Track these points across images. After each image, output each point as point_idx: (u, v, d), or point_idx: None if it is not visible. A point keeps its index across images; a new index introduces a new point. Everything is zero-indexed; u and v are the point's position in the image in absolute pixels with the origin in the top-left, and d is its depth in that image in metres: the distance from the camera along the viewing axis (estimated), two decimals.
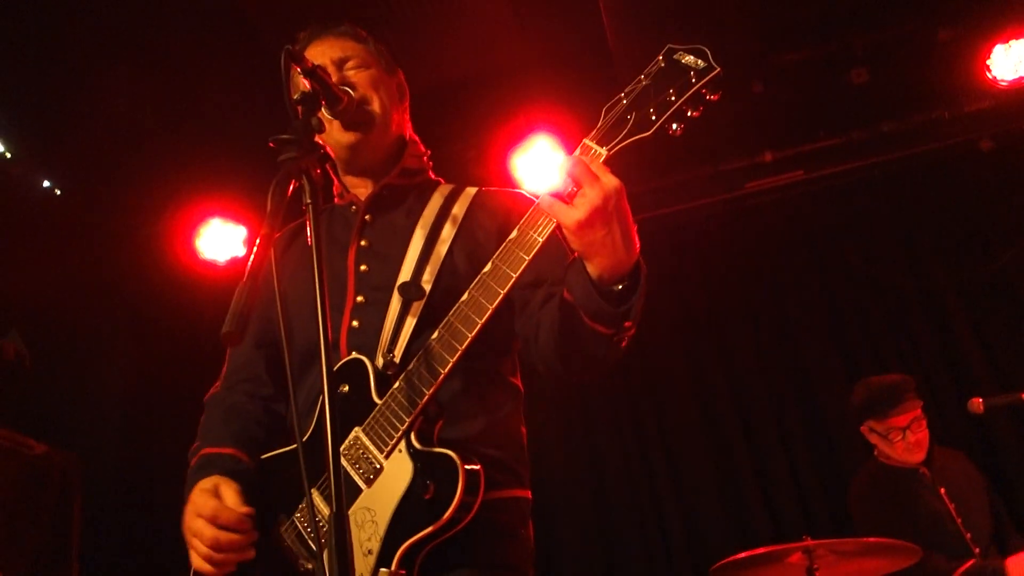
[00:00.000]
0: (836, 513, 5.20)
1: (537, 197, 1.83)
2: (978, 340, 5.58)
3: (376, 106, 2.25)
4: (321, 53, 2.29)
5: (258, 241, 1.54)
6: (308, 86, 1.90)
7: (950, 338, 5.66)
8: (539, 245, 1.80)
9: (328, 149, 1.94)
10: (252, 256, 1.52)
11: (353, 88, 2.20)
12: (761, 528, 5.40)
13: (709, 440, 5.76)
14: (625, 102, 1.81)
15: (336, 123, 2.17)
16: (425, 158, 2.42)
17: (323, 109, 2.01)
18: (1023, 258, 5.60)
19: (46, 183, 5.51)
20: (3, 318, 4.96)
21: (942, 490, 4.24)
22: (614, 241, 1.72)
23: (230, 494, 1.98)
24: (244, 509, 1.95)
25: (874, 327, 5.82)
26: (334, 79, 2.13)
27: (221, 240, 5.60)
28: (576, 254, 1.80)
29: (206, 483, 2.02)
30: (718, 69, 1.75)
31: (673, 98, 1.75)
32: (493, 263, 1.86)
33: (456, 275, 2.10)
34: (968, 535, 4.08)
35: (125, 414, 5.84)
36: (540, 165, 5.31)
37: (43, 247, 5.43)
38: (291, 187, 1.64)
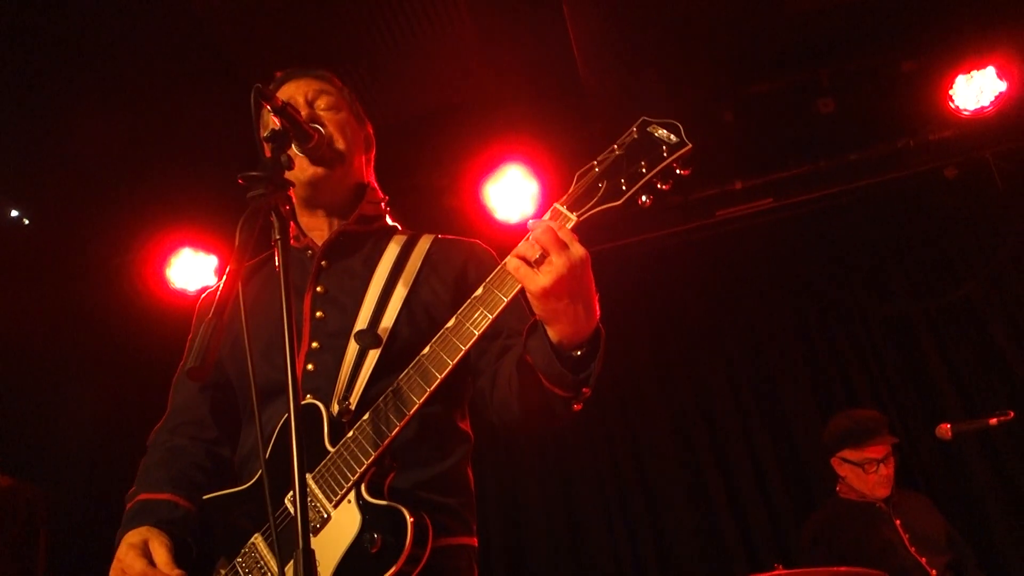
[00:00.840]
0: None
1: (503, 256, 1.85)
2: (946, 366, 5.64)
3: (342, 145, 2.27)
4: (295, 88, 2.31)
5: (224, 277, 1.54)
6: (278, 123, 1.90)
7: (918, 363, 5.72)
8: (504, 304, 1.81)
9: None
10: (219, 291, 1.52)
11: (322, 126, 2.21)
12: (734, 556, 5.39)
13: (682, 467, 5.76)
14: (597, 170, 1.84)
15: (303, 158, 2.17)
16: (383, 204, 2.43)
17: (292, 146, 2.02)
18: (988, 284, 5.70)
19: (14, 212, 5.47)
20: None
21: (897, 521, 4.33)
22: (576, 310, 1.74)
23: (161, 553, 1.93)
24: (176, 572, 1.89)
25: (843, 352, 5.87)
26: (304, 115, 2.14)
27: (192, 269, 5.58)
28: (537, 318, 1.82)
29: (134, 537, 1.96)
30: (689, 145, 1.79)
31: (644, 170, 1.78)
32: (457, 319, 1.86)
33: (413, 324, 2.11)
34: (923, 559, 4.15)
35: (93, 446, 5.77)
36: (512, 195, 5.35)
37: (10, 277, 5.38)
38: (259, 223, 1.65)
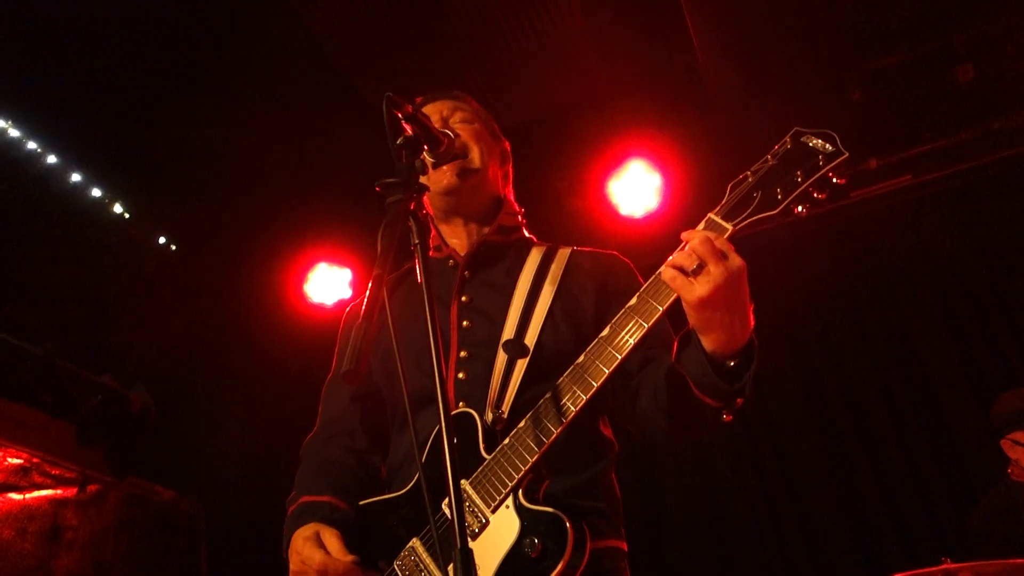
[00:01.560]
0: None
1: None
2: None
3: (476, 155, 2.33)
4: (432, 110, 2.40)
5: (371, 283, 1.57)
6: (410, 130, 1.94)
7: None
8: (659, 314, 1.83)
9: (428, 202, 1.96)
10: (366, 298, 1.55)
11: (455, 135, 2.25)
12: (892, 553, 5.14)
13: (831, 464, 5.54)
14: (751, 180, 1.86)
15: (437, 168, 2.23)
16: (520, 216, 2.48)
17: (425, 152, 2.05)
18: None
19: (162, 240, 5.80)
20: (129, 372, 5.20)
21: None
22: (731, 320, 1.75)
23: (334, 543, 2.00)
24: (350, 558, 1.96)
25: (996, 334, 5.53)
26: (438, 126, 2.18)
27: (327, 283, 5.79)
28: (691, 327, 1.82)
29: (307, 531, 2.04)
30: (846, 154, 1.79)
31: (800, 179, 1.79)
32: (611, 328, 1.88)
33: (558, 334, 2.14)
34: None
35: (244, 458, 6.02)
36: (636, 190, 5.29)
37: (162, 301, 5.70)
38: (399, 228, 1.68)
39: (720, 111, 5.21)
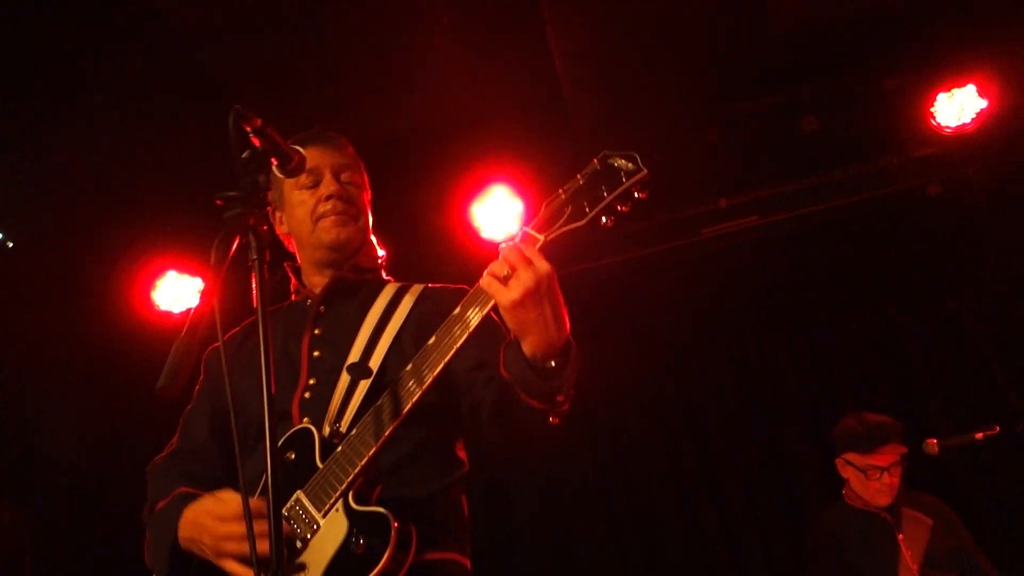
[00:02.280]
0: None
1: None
2: (933, 383, 5.66)
3: (366, 221, 2.51)
4: (319, 157, 2.47)
5: (199, 298, 1.55)
6: (258, 144, 1.91)
7: (905, 378, 5.73)
8: (479, 320, 1.94)
9: (297, 249, 2.20)
10: (192, 312, 1.54)
11: (350, 200, 2.45)
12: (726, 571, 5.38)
13: (672, 488, 5.75)
14: (563, 196, 2.01)
15: (326, 220, 2.40)
16: (381, 260, 2.61)
17: (275, 167, 2.03)
18: (973, 300, 5.73)
19: None
20: None
21: (900, 536, 4.23)
22: (546, 321, 1.86)
23: (231, 493, 2.00)
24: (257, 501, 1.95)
25: (831, 368, 5.88)
26: (333, 188, 2.41)
27: (176, 292, 5.60)
28: (512, 334, 1.93)
29: (200, 503, 2.04)
30: (645, 171, 1.95)
31: (605, 194, 1.94)
32: (436, 336, 2.00)
33: (403, 358, 2.18)
34: None
35: (77, 467, 5.72)
36: (498, 214, 5.37)
37: None
38: (236, 242, 1.68)
39: (582, 142, 5.35)
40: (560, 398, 1.93)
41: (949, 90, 5.22)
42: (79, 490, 5.66)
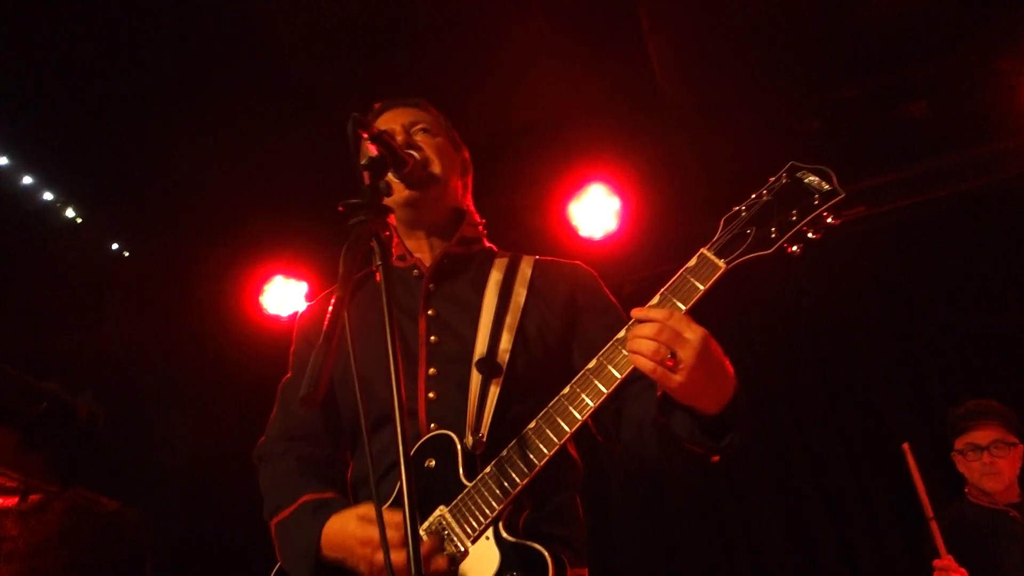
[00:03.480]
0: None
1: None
2: None
3: (437, 168, 2.30)
4: (392, 118, 2.37)
5: (334, 304, 1.55)
6: (375, 151, 1.93)
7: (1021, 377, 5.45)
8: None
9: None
10: (327, 318, 1.52)
11: (417, 150, 2.25)
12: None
13: (782, 486, 5.62)
14: (745, 215, 1.83)
15: (400, 184, 2.21)
16: (481, 227, 2.46)
17: (390, 173, 2.05)
18: None
19: (115, 246, 5.70)
20: (77, 379, 5.09)
21: None
22: (712, 386, 1.74)
23: (390, 516, 1.87)
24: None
25: (944, 366, 5.63)
26: (400, 140, 2.19)
27: (284, 296, 5.76)
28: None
29: (345, 517, 1.93)
30: (842, 194, 1.76)
31: (795, 219, 1.76)
32: (598, 360, 1.86)
33: (529, 352, 2.13)
34: None
35: (194, 470, 5.92)
36: (595, 212, 5.34)
37: (113, 308, 5.59)
38: (362, 250, 1.67)
39: (679, 137, 5.27)
40: (729, 449, 1.82)
41: None
42: (194, 491, 5.86)
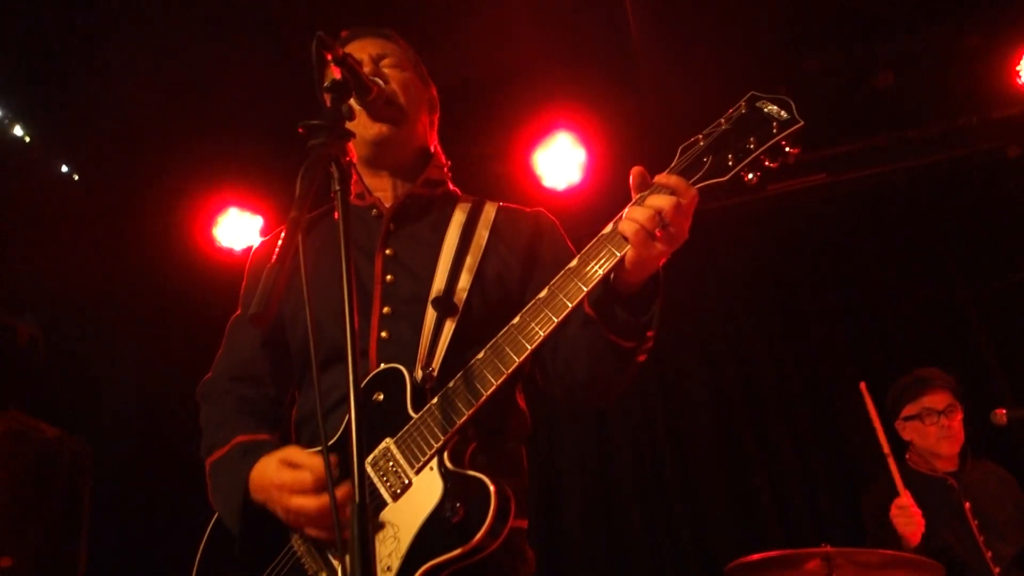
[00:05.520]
0: (851, 525, 5.11)
1: (606, 224, 1.85)
2: (997, 352, 5.49)
3: (404, 102, 2.23)
4: (360, 48, 2.29)
5: (287, 225, 1.51)
6: (339, 74, 1.86)
7: (969, 349, 5.57)
8: (599, 278, 1.79)
9: (351, 146, 1.92)
10: (281, 239, 1.48)
11: (385, 82, 2.17)
12: (775, 536, 5.32)
13: (722, 444, 5.69)
14: (703, 144, 1.81)
15: (364, 115, 2.13)
16: (446, 169, 2.41)
17: (353, 98, 1.98)
18: None
19: (64, 168, 5.52)
20: (18, 302, 4.96)
21: (967, 504, 4.11)
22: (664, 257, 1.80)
23: (312, 459, 1.86)
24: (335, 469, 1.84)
25: (892, 335, 5.74)
26: (367, 70, 2.12)
27: (238, 229, 5.61)
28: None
29: (270, 461, 1.90)
30: (801, 122, 1.73)
31: (752, 147, 1.74)
32: (550, 289, 1.84)
33: (486, 294, 2.11)
34: (989, 553, 3.95)
35: (139, 401, 5.84)
36: (560, 162, 5.29)
37: (60, 232, 5.43)
38: (319, 174, 1.61)
39: (650, 93, 5.23)
40: (650, 333, 1.84)
41: None
42: (140, 423, 5.78)
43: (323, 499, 1.81)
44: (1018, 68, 5.05)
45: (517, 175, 5.36)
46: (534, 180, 5.32)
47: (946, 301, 5.70)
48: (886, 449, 4.02)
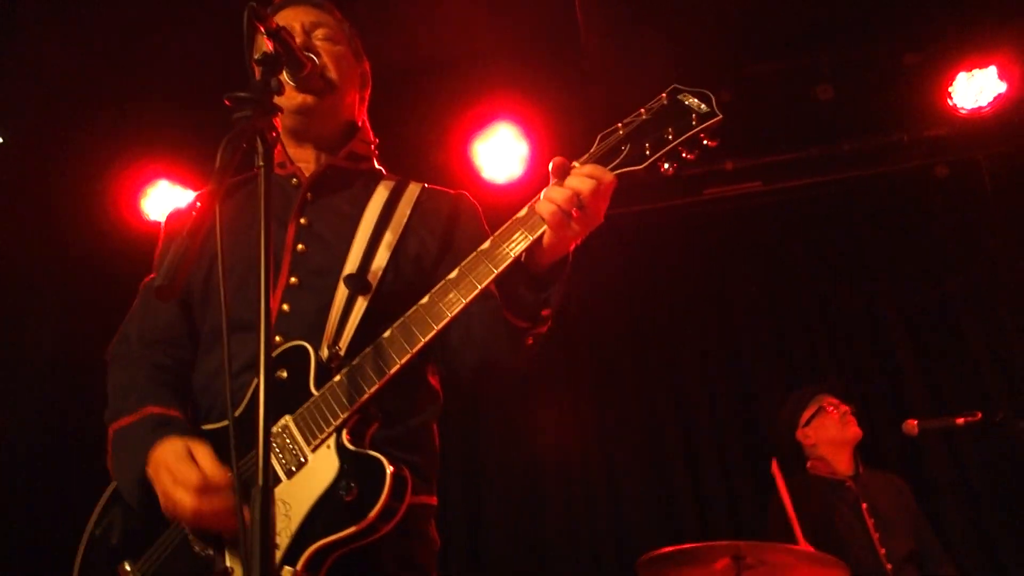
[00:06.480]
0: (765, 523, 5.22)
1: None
2: (918, 364, 5.65)
3: (335, 76, 2.20)
4: (293, 16, 2.23)
5: (203, 197, 1.47)
6: (271, 47, 1.82)
7: (890, 359, 5.72)
8: (510, 260, 1.79)
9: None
10: (195, 211, 1.46)
11: (317, 55, 2.14)
12: (692, 532, 5.40)
13: (647, 440, 5.75)
14: (622, 132, 1.83)
15: (291, 86, 2.08)
16: (373, 146, 2.37)
17: (284, 73, 1.94)
18: (967, 287, 5.70)
19: None
20: None
21: (864, 505, 4.35)
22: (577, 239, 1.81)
23: (208, 459, 1.83)
24: (227, 475, 1.81)
25: (817, 342, 5.86)
26: (299, 41, 2.09)
27: (168, 203, 5.42)
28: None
29: (174, 445, 1.85)
30: (720, 116, 1.77)
31: (671, 137, 1.77)
32: (460, 270, 1.83)
33: (400, 273, 2.08)
34: (883, 551, 4.18)
35: (54, 374, 5.66)
36: (501, 155, 5.27)
37: None
38: (242, 147, 1.58)
39: (596, 90, 5.23)
40: (545, 313, 1.84)
41: (970, 70, 5.13)
42: (56, 395, 5.60)
43: (202, 502, 1.77)
44: (950, 89, 5.19)
45: (454, 165, 5.31)
46: (473, 171, 5.29)
47: (870, 312, 5.85)
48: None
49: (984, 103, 5.16)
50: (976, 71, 5.12)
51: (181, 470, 1.80)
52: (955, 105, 5.21)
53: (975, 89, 5.13)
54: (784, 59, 5.38)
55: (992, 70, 5.11)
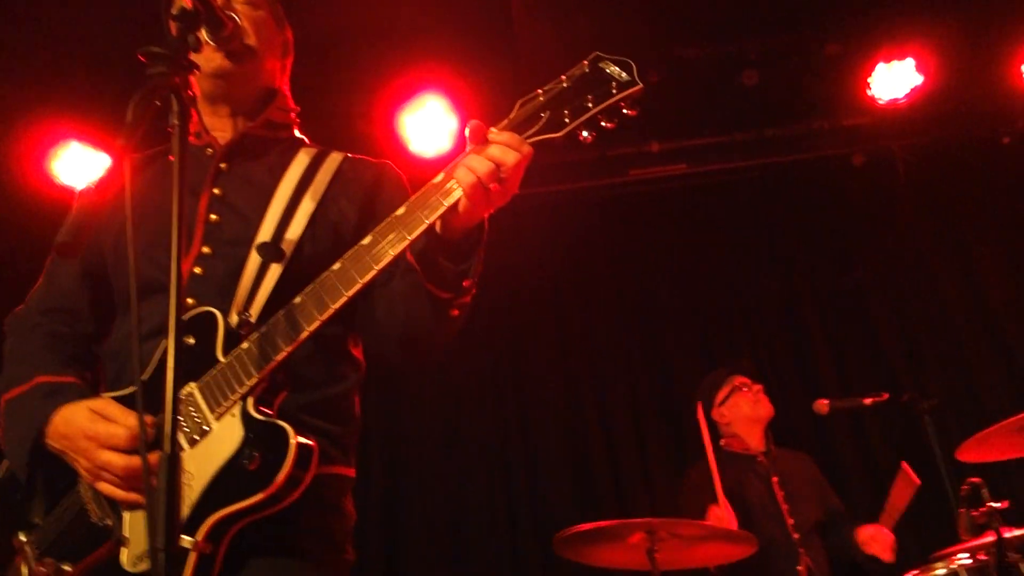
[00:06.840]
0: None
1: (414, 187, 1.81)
2: (829, 347, 5.83)
3: (254, 41, 2.12)
4: None
5: (112, 154, 1.41)
6: (190, 4, 1.75)
7: (803, 342, 5.90)
8: (424, 226, 1.75)
9: (194, 80, 1.80)
10: (103, 174, 1.39)
11: (237, 18, 2.06)
12: (610, 510, 5.48)
13: (566, 418, 5.82)
14: (542, 99, 1.80)
15: (209, 47, 2.00)
16: (293, 114, 2.30)
17: (203, 31, 1.87)
18: (878, 273, 5.91)
19: None
20: None
21: (774, 478, 4.56)
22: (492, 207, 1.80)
23: (123, 413, 1.78)
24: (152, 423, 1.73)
25: (734, 323, 6.01)
26: (219, 2, 1.99)
27: (80, 165, 5.15)
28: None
29: (78, 408, 1.81)
30: (640, 85, 1.76)
31: (590, 105, 1.75)
32: (373, 236, 1.78)
33: (317, 242, 2.03)
34: (791, 521, 4.39)
35: None
36: (429, 128, 5.21)
37: None
38: (155, 105, 1.51)
39: (527, 65, 5.21)
40: (467, 283, 1.82)
41: (889, 61, 5.27)
42: None
43: (132, 459, 1.73)
44: (870, 79, 5.32)
45: (380, 138, 5.22)
46: (399, 144, 5.22)
47: (786, 295, 6.01)
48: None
49: (901, 95, 5.32)
50: (895, 62, 5.26)
51: (105, 431, 1.76)
52: (873, 95, 5.36)
53: (893, 80, 5.28)
54: (712, 44, 5.44)
55: (910, 62, 5.26)
